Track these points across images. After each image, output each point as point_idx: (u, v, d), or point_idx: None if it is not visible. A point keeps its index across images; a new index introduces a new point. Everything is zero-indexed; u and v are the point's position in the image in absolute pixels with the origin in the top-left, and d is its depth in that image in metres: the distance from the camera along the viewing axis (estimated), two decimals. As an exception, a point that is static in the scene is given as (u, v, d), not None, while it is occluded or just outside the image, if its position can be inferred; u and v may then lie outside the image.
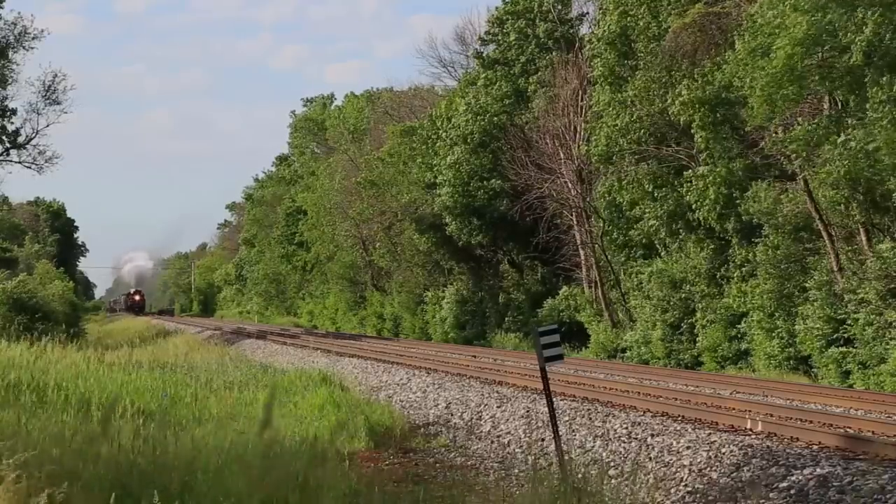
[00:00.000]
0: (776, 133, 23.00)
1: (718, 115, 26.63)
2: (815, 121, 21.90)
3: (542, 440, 14.26)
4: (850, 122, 21.18)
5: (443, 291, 48.17)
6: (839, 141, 20.62)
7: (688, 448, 12.42)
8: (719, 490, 10.80)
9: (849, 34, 19.44)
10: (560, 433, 11.22)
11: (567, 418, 14.99)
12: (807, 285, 23.63)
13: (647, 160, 30.67)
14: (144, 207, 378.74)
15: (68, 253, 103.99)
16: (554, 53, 40.93)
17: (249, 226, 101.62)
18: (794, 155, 22.35)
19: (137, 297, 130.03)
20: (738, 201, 26.30)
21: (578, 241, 38.53)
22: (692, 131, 27.40)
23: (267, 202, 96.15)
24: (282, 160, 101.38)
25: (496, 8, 46.03)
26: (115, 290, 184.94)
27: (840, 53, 20.13)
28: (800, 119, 22.46)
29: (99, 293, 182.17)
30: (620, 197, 32.54)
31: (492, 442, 15.38)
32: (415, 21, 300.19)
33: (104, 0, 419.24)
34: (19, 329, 24.52)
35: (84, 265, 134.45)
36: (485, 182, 41.88)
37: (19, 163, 41.06)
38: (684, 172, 28.76)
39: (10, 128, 40.76)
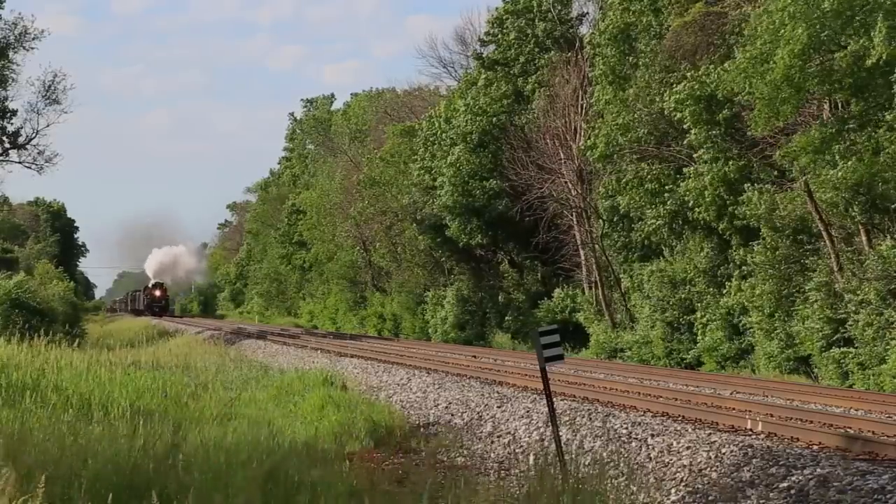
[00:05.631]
0: (782, 144, 22.83)
1: (715, 113, 26.55)
2: (819, 126, 21.75)
3: (542, 440, 14.24)
4: (852, 125, 21.09)
5: (443, 291, 48.15)
6: (845, 146, 20.51)
7: (688, 448, 12.42)
8: (719, 490, 10.79)
9: (856, 38, 19.28)
10: (560, 433, 11.21)
11: (567, 418, 14.97)
12: (807, 286, 23.61)
13: (647, 160, 30.65)
14: (144, 207, 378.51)
15: (68, 253, 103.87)
16: (553, 52, 40.92)
17: (252, 221, 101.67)
18: (801, 162, 22.20)
19: (158, 293, 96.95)
20: (731, 207, 26.28)
21: (578, 242, 38.51)
22: (684, 125, 27.36)
23: (271, 200, 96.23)
24: (287, 160, 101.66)
25: (496, 8, 46.17)
26: (115, 291, 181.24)
27: (840, 57, 20.03)
28: (803, 126, 22.37)
29: (99, 293, 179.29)
30: (620, 197, 32.53)
31: (492, 442, 15.36)
32: (411, 22, 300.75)
33: (103, 1, 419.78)
34: (23, 328, 24.53)
35: (84, 265, 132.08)
36: (485, 182, 41.86)
37: (19, 163, 41.13)
38: (683, 169, 28.75)
39: (10, 128, 40.80)
